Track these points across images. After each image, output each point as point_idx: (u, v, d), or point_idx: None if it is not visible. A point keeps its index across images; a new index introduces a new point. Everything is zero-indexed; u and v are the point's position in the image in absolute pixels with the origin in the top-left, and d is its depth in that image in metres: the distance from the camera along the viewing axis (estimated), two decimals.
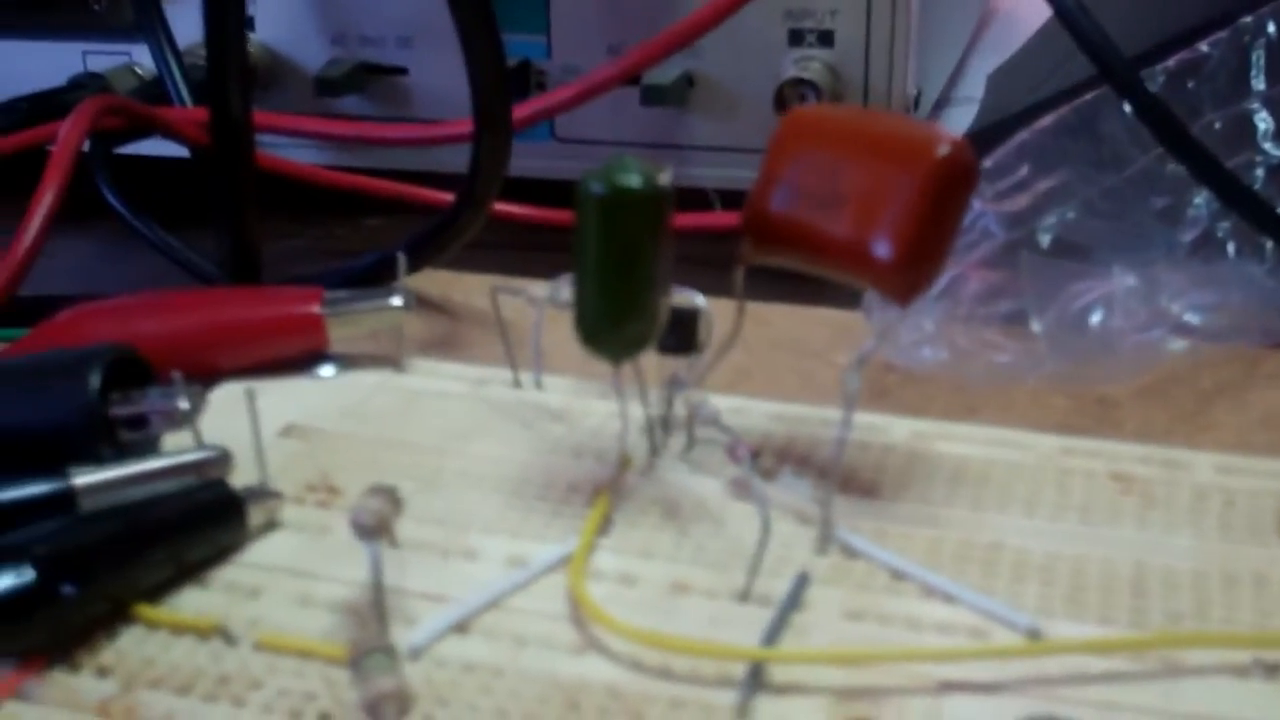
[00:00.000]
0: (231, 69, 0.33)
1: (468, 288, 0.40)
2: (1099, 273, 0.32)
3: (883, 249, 0.25)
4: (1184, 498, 0.27)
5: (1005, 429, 0.30)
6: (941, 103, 0.56)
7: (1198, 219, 0.40)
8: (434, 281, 0.39)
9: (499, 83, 0.34)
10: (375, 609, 0.22)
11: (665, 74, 0.46)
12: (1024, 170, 0.38)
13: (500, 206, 0.42)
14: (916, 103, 0.48)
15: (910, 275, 0.25)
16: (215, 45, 0.33)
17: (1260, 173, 0.41)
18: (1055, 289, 0.32)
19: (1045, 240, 0.39)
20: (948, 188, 0.25)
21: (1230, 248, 0.40)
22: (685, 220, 0.44)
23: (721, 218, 0.46)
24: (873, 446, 0.29)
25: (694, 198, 0.47)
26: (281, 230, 0.46)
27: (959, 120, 0.53)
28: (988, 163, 0.38)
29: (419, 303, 0.37)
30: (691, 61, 0.47)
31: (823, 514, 0.26)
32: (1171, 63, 0.42)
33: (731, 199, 0.47)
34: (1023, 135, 0.39)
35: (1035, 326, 0.31)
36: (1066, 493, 0.28)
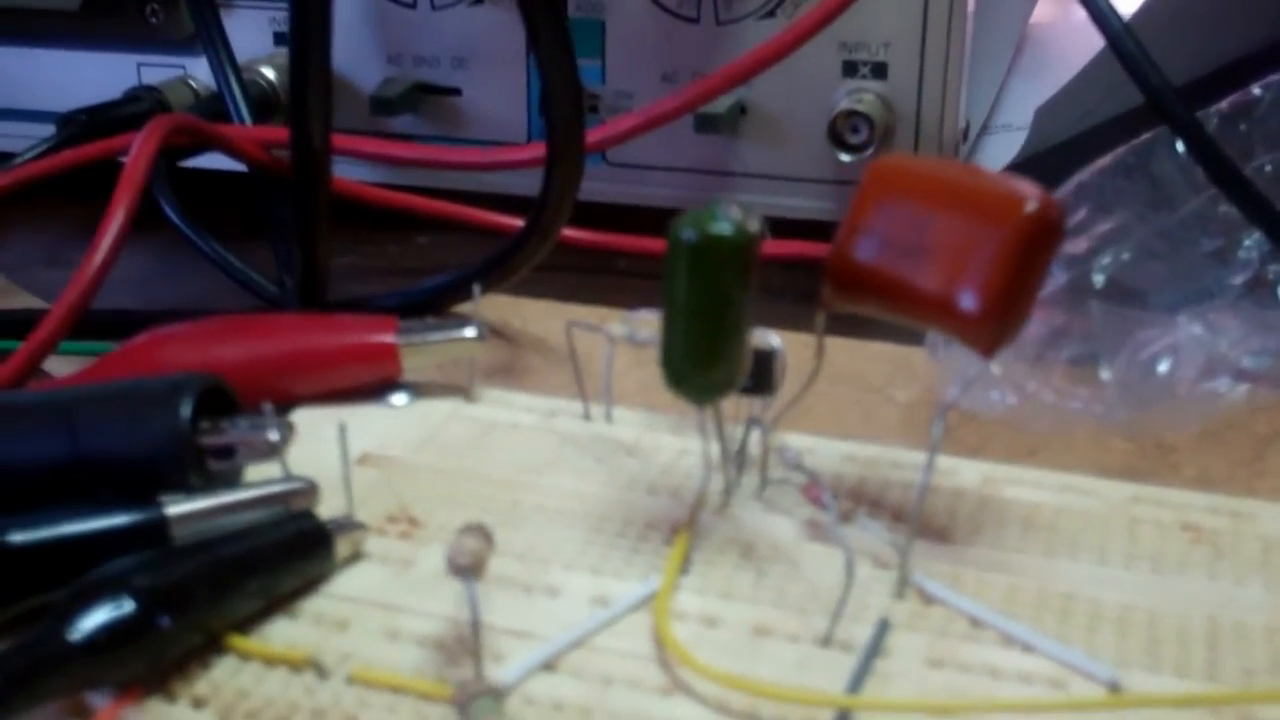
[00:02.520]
0: (315, 96, 0.33)
1: (526, 313, 0.41)
2: (1165, 320, 0.33)
3: (969, 301, 0.25)
4: (1253, 549, 0.28)
5: (1073, 475, 0.30)
6: (982, 131, 0.57)
7: (1249, 261, 0.40)
8: (494, 307, 0.40)
9: (575, 113, 0.34)
10: (473, 650, 0.23)
11: (719, 103, 0.47)
12: (1083, 212, 0.38)
13: None
14: (965, 134, 0.49)
15: (996, 328, 0.25)
16: (299, 72, 0.33)
17: None
18: (1124, 335, 0.32)
19: (1099, 281, 0.39)
20: (1035, 243, 0.25)
21: None
22: None
23: (774, 246, 0.47)
24: (942, 490, 0.30)
25: None
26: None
27: (1001, 150, 0.53)
28: None
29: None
30: (745, 91, 0.47)
31: (901, 559, 0.26)
32: (1225, 105, 0.43)
33: (782, 227, 0.48)
34: (1081, 176, 0.39)
35: (1105, 374, 0.32)
36: (1137, 542, 0.28)
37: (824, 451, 0.31)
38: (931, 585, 0.26)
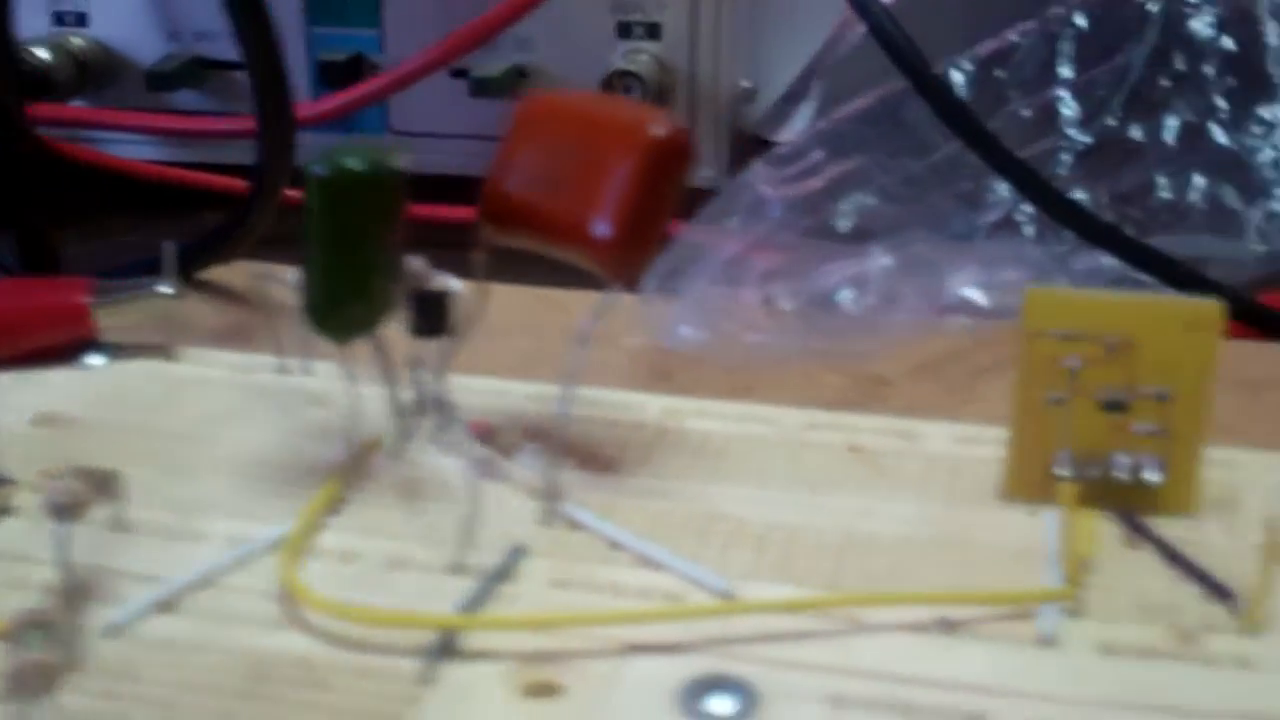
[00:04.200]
0: None
1: (279, 276, 0.40)
2: (855, 252, 0.33)
3: (601, 229, 0.26)
4: (913, 467, 0.28)
5: (757, 405, 0.30)
6: (792, 98, 0.56)
7: (999, 203, 0.41)
8: (240, 273, 0.40)
9: (276, 74, 0.34)
10: (63, 591, 0.23)
11: (494, 66, 0.47)
12: (817, 156, 0.38)
13: None
14: (750, 98, 0.49)
15: (627, 254, 0.26)
16: None
17: (1067, 157, 0.42)
18: (809, 269, 0.32)
19: (844, 225, 0.39)
20: (661, 168, 0.25)
21: (1030, 230, 0.41)
22: None
23: None
24: (622, 424, 0.30)
25: None
26: (118, 227, 0.47)
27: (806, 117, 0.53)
28: (781, 149, 0.38)
29: (219, 293, 0.38)
30: (522, 54, 0.47)
31: (546, 487, 0.26)
32: (980, 51, 0.43)
33: None
34: (820, 123, 0.39)
35: (785, 305, 0.32)
36: (801, 464, 0.28)
37: (513, 392, 0.31)
38: (578, 511, 0.26)
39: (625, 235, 0.25)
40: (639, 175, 0.25)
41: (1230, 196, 0.42)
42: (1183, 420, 0.25)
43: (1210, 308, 0.25)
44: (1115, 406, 0.25)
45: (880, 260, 0.32)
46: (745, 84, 0.48)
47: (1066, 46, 0.43)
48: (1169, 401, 0.25)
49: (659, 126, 0.25)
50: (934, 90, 0.38)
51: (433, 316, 0.29)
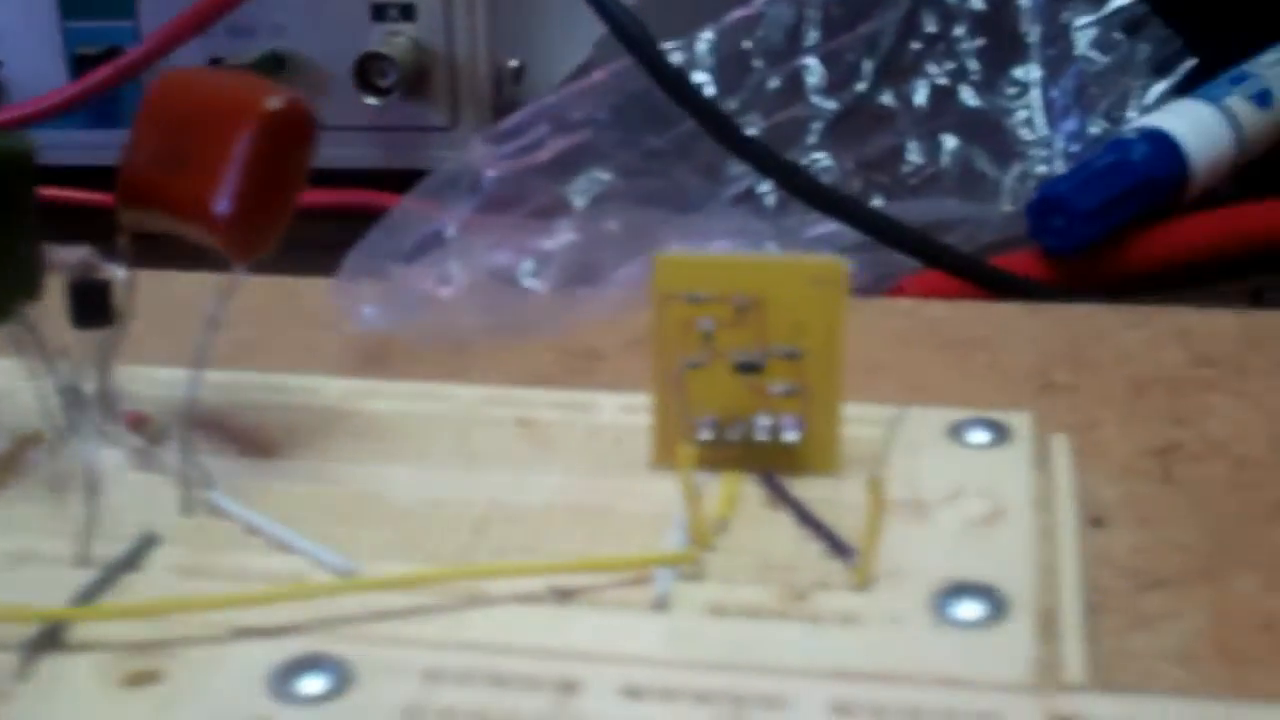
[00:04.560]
0: None
1: None
2: (551, 229, 0.33)
3: (220, 206, 0.25)
4: (576, 438, 0.28)
5: (435, 384, 0.30)
6: (585, 71, 0.56)
7: (740, 175, 0.41)
8: None
9: None
10: None
11: (249, 53, 0.46)
12: (541, 131, 0.38)
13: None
14: (518, 76, 0.48)
15: (247, 232, 0.25)
16: None
17: (818, 125, 0.42)
18: (506, 245, 0.32)
19: (580, 202, 0.39)
20: (278, 143, 0.25)
21: (771, 201, 0.41)
22: None
23: (313, 196, 0.46)
24: (295, 408, 0.29)
25: None
26: None
27: None
28: (502, 125, 0.38)
29: None
30: (277, 40, 0.47)
31: (188, 475, 0.26)
32: (728, 21, 0.43)
33: (322, 179, 0.47)
34: (549, 99, 0.39)
35: (477, 282, 0.32)
36: (467, 440, 0.28)
37: (179, 381, 0.30)
38: (220, 498, 0.26)
39: (244, 212, 0.25)
40: (254, 150, 0.25)
41: (982, 159, 0.42)
42: (816, 379, 0.25)
43: (834, 265, 0.24)
44: (750, 368, 0.25)
45: (566, 236, 0.32)
46: (513, 63, 0.48)
47: (814, 14, 0.43)
48: (801, 360, 0.25)
49: (274, 100, 0.25)
50: (655, 63, 0.37)
51: (92, 306, 0.28)
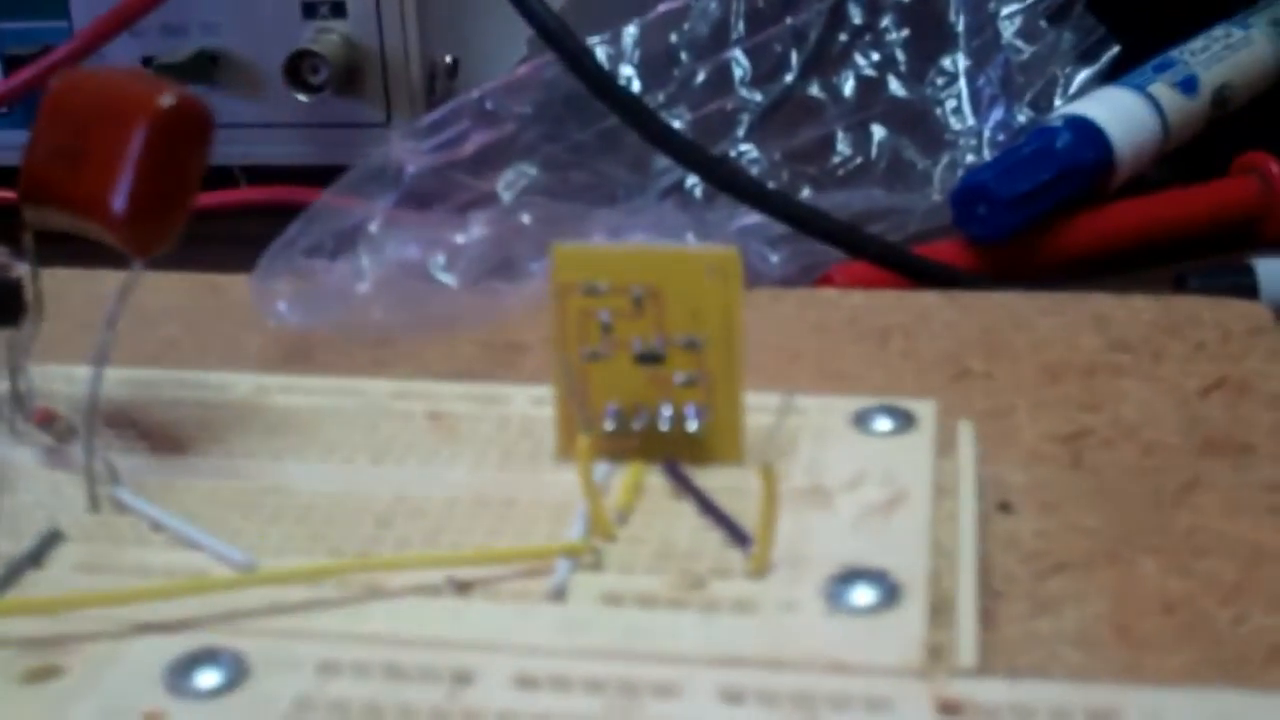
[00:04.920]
0: None
1: None
2: (454, 222, 0.33)
3: (117, 203, 0.25)
4: (486, 431, 0.28)
5: (348, 379, 0.30)
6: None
7: (670, 169, 0.41)
8: None
9: None
10: None
11: (180, 52, 0.46)
12: (464, 126, 0.38)
13: None
14: (452, 72, 0.48)
15: (143, 229, 0.25)
16: None
17: (746, 117, 0.42)
18: (396, 242, 0.32)
19: (507, 196, 0.39)
20: (173, 139, 0.25)
21: (700, 194, 0.41)
22: (212, 199, 0.44)
23: (248, 194, 0.46)
24: (209, 404, 0.29)
25: (223, 176, 0.47)
26: None
27: None
28: (424, 120, 0.38)
29: None
30: (208, 38, 0.46)
31: (87, 472, 0.26)
32: (654, 15, 0.43)
33: (257, 175, 0.47)
34: (472, 93, 0.39)
35: (365, 278, 0.32)
36: (375, 434, 0.28)
37: (108, 378, 0.30)
38: (124, 494, 0.26)
39: (140, 209, 0.25)
40: (149, 147, 0.25)
41: (911, 149, 0.43)
42: (717, 368, 0.25)
43: (729, 255, 0.25)
44: (650, 358, 0.25)
45: (479, 230, 0.32)
46: (447, 58, 0.48)
47: (741, 6, 0.43)
48: (701, 350, 0.25)
49: (167, 97, 0.25)
50: (577, 58, 0.37)
51: (2, 305, 0.28)
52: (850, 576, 0.23)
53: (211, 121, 0.25)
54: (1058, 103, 0.43)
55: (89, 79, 0.27)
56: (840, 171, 0.42)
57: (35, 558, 0.25)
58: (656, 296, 0.25)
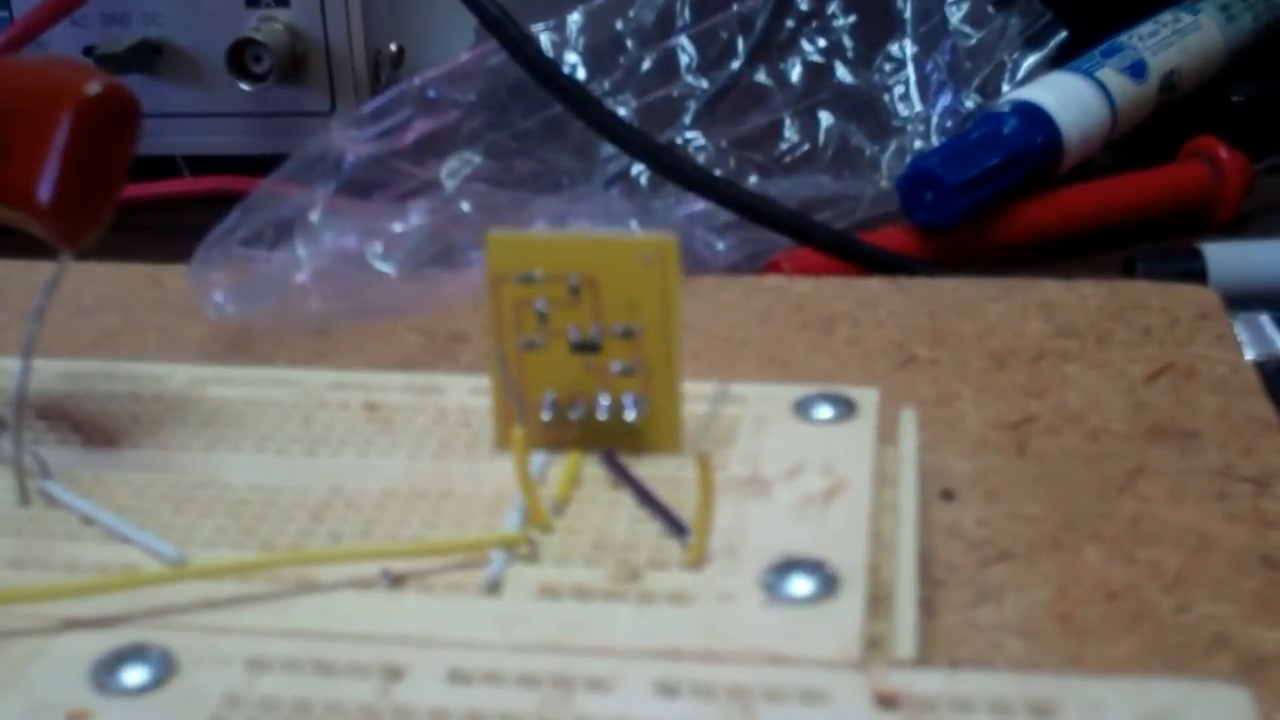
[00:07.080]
0: None
1: None
2: (393, 211, 0.32)
3: (43, 193, 0.25)
4: (423, 421, 0.27)
5: (284, 369, 0.30)
6: None
7: (615, 156, 0.40)
8: None
9: None
10: None
11: (121, 42, 0.45)
12: (404, 113, 0.38)
13: None
14: (398, 60, 0.48)
15: (70, 219, 0.25)
16: None
17: (693, 105, 0.42)
18: (333, 231, 0.32)
19: (451, 185, 0.39)
20: (99, 128, 0.25)
21: (644, 181, 0.40)
22: (156, 189, 0.43)
23: (191, 184, 0.46)
24: (143, 396, 0.29)
25: (165, 165, 0.47)
26: None
27: None
28: (364, 108, 0.37)
29: None
30: (150, 28, 0.46)
31: (16, 465, 0.25)
32: (596, 2, 0.42)
33: (202, 165, 0.47)
34: (413, 81, 0.39)
35: (303, 268, 0.31)
36: (311, 425, 0.28)
37: (43, 371, 0.30)
38: (54, 488, 0.26)
39: (66, 198, 0.24)
40: (74, 136, 0.24)
41: (859, 136, 0.43)
42: (654, 357, 0.25)
43: (666, 242, 0.24)
44: (586, 347, 0.25)
45: (416, 219, 0.32)
46: (391, 46, 0.47)
47: None
48: (638, 339, 0.25)
49: (93, 85, 0.24)
50: (520, 46, 0.37)
51: None
52: (788, 567, 0.23)
53: (139, 109, 0.25)
54: (1005, 88, 0.43)
55: (12, 68, 0.26)
56: (787, 158, 0.42)
57: None
58: (593, 284, 0.25)
